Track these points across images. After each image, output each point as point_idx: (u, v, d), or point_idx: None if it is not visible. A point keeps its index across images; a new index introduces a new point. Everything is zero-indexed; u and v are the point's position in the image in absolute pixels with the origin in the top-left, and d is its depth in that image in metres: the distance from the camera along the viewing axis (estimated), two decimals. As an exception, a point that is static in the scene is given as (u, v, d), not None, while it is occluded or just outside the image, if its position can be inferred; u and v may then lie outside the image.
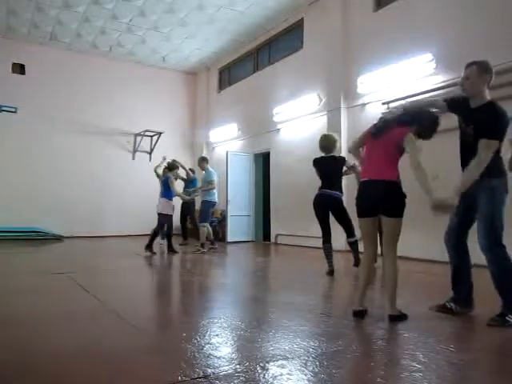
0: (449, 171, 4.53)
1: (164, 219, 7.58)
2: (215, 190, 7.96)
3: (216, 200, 8.00)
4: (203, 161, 8.15)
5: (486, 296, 3.19)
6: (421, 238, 6.10)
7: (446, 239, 3.25)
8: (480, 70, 3.01)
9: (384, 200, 3.09)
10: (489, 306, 3.06)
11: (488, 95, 3.05)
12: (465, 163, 3.04)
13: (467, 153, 3.02)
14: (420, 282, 4.84)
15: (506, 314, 2.88)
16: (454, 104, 3.17)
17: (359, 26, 7.99)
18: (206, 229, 7.87)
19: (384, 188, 3.08)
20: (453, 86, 5.68)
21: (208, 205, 7.88)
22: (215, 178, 7.95)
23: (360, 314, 3.14)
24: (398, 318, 3.02)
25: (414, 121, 3.12)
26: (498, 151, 2.97)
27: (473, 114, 3.02)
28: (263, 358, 2.27)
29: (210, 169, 8.13)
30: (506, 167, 3.10)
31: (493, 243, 2.91)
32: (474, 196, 3.00)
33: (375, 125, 3.28)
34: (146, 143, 12.56)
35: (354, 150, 3.48)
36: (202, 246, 7.71)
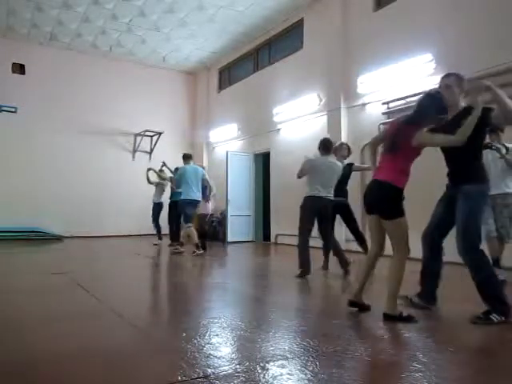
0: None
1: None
2: (180, 189, 7.52)
3: (183, 197, 7.41)
4: (183, 158, 7.80)
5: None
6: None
7: (423, 235, 3.31)
8: (459, 80, 3.09)
9: (375, 200, 3.12)
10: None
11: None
12: (454, 171, 3.14)
13: (457, 158, 3.08)
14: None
15: (490, 313, 2.90)
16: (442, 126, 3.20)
17: (359, 26, 7.99)
18: (191, 229, 7.36)
19: (376, 188, 3.12)
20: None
21: (181, 205, 7.52)
22: (177, 175, 7.52)
23: (353, 305, 3.20)
24: (391, 317, 2.96)
25: (422, 118, 3.01)
26: (480, 157, 3.07)
27: (455, 121, 2.99)
28: (263, 358, 2.27)
29: (185, 166, 7.60)
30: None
31: (468, 247, 2.94)
32: (452, 200, 3.08)
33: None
34: (145, 143, 12.57)
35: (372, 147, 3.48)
36: (197, 247, 7.29)
